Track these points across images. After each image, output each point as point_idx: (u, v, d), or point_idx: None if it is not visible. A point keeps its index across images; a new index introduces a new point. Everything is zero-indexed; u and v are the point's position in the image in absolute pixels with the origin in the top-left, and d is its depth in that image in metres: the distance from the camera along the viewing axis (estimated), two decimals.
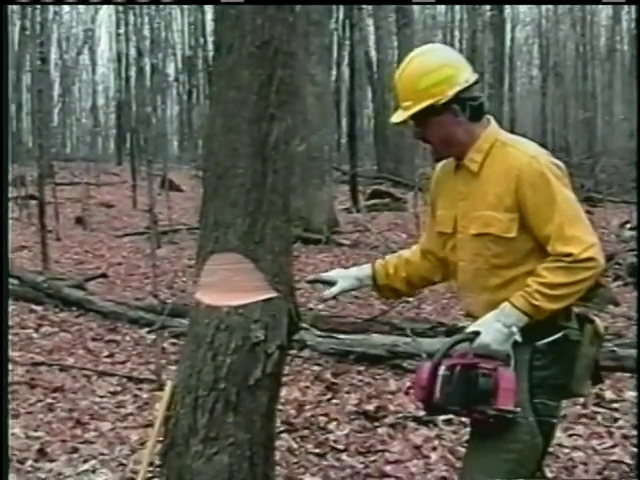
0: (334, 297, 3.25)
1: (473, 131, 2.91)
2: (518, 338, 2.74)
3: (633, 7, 20.73)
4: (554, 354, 2.81)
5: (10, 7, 34.01)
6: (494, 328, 2.73)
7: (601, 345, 3.01)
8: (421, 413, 4.60)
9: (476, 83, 2.93)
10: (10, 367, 6.39)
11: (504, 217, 2.79)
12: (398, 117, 2.91)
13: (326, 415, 5.25)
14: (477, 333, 2.76)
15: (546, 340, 2.78)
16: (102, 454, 4.64)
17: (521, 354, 2.77)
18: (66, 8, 39.57)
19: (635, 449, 4.47)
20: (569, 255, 2.69)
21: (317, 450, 4.70)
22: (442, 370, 2.75)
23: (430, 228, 3.17)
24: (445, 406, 2.78)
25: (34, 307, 8.81)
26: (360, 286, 3.23)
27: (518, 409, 2.71)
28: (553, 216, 2.73)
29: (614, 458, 4.48)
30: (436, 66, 2.86)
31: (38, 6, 26.45)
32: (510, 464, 2.76)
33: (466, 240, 2.91)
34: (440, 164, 3.11)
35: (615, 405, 5.30)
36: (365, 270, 3.23)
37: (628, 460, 4.41)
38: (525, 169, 2.76)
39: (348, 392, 5.75)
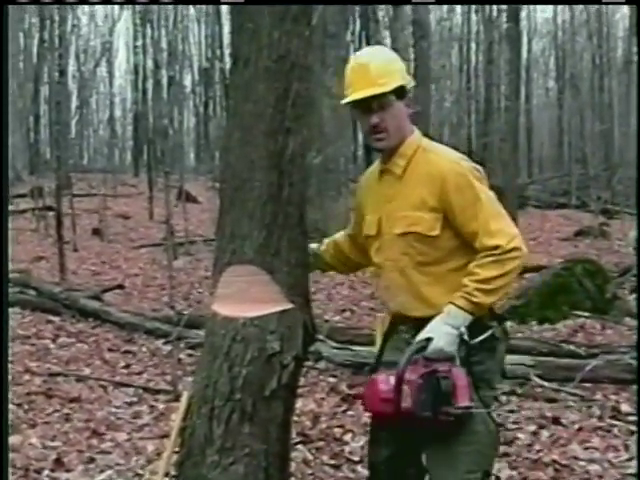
0: None
1: (409, 129, 3.14)
2: (466, 337, 2.93)
3: None
4: (486, 350, 3.02)
5: (28, 20, 34.34)
6: (444, 332, 2.91)
7: (508, 341, 3.24)
8: None
9: None
10: (27, 377, 6.45)
11: (429, 217, 3.00)
12: (373, 91, 3.02)
13: (342, 427, 5.25)
14: (429, 339, 2.90)
15: (480, 338, 2.97)
16: (118, 464, 4.66)
17: (458, 353, 2.96)
18: (84, 20, 39.89)
19: None
20: (497, 247, 2.90)
21: (333, 461, 4.70)
22: (413, 378, 2.85)
23: (354, 227, 3.41)
24: (418, 413, 2.85)
25: (51, 318, 8.86)
26: None
27: (473, 404, 2.89)
28: (478, 213, 2.96)
29: (630, 471, 4.45)
30: (396, 57, 3.17)
31: (56, 19, 26.71)
32: (472, 455, 2.96)
33: (392, 240, 3.10)
34: (366, 173, 3.37)
35: (631, 418, 5.28)
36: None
37: None
38: (448, 173, 2.99)
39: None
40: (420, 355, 2.89)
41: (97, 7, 40.24)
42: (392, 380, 2.89)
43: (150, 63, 34.93)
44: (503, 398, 5.74)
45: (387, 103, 3.04)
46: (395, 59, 3.15)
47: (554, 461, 4.57)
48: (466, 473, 2.95)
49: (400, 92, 3.07)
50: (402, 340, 3.12)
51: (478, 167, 3.09)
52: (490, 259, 2.90)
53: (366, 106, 3.05)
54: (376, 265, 3.21)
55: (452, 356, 2.90)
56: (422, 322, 2.99)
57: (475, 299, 2.89)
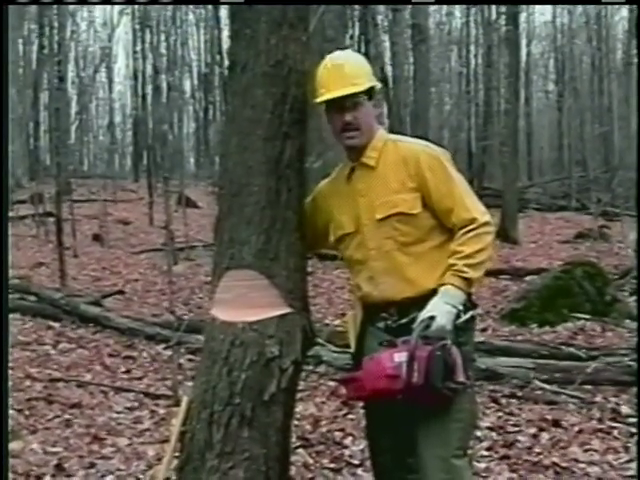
0: None
1: (376, 128, 3.31)
2: (462, 315, 3.07)
3: None
4: (470, 330, 3.20)
5: (27, 26, 34.36)
6: (445, 310, 3.03)
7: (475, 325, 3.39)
8: None
9: None
10: (28, 383, 6.45)
11: (409, 197, 3.16)
12: (349, 90, 3.15)
13: (342, 430, 5.26)
14: (432, 318, 3.00)
15: (465, 317, 3.10)
16: (119, 469, 4.67)
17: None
18: (83, 27, 39.85)
19: None
20: (474, 220, 3.11)
21: (333, 465, 4.70)
22: (424, 355, 2.93)
23: (311, 236, 3.43)
24: (432, 384, 2.94)
25: (52, 323, 8.87)
26: None
27: (468, 381, 3.05)
28: (453, 190, 3.16)
29: (630, 473, 4.45)
30: (365, 61, 3.34)
31: (56, 25, 26.75)
32: (459, 431, 3.12)
33: (374, 228, 3.20)
34: (322, 183, 3.47)
35: (631, 420, 5.28)
36: None
37: None
38: (422, 155, 3.19)
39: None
40: (421, 334, 2.98)
41: (96, 13, 40.18)
42: (397, 357, 2.97)
43: (149, 68, 34.93)
44: (503, 401, 5.75)
45: (359, 102, 3.19)
46: (365, 62, 3.32)
47: (554, 463, 4.58)
48: (455, 449, 3.09)
49: (370, 93, 3.24)
50: (379, 329, 3.21)
51: (445, 151, 3.30)
52: (469, 235, 3.09)
53: (340, 105, 3.18)
54: (357, 262, 3.27)
55: (448, 335, 3.01)
56: (405, 305, 3.13)
57: (466, 275, 3.05)
